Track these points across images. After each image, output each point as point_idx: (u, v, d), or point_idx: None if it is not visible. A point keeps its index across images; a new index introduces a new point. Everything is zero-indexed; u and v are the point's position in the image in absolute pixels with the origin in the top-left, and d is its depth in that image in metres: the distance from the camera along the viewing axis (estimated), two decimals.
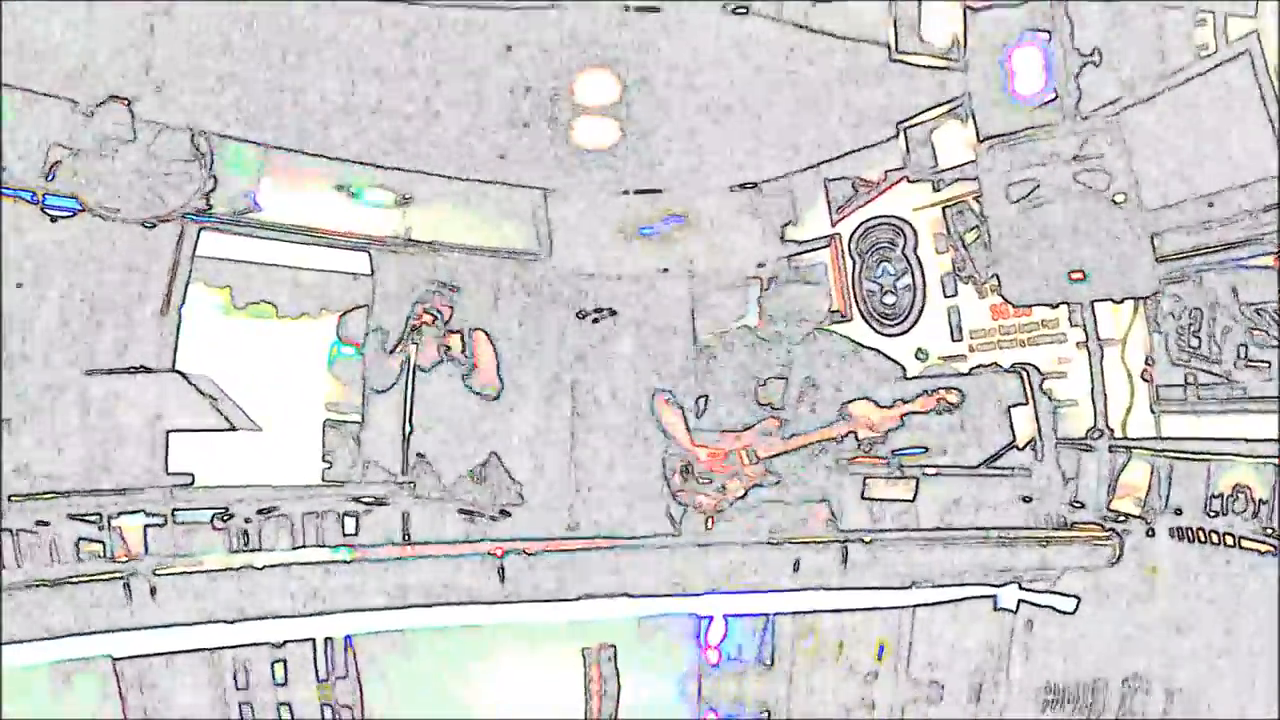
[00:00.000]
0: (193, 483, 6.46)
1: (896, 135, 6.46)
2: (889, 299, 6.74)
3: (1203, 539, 5.63)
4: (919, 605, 5.92)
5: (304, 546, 6.41)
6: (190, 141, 6.24)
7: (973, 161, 6.11)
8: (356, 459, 6.89)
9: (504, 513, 6.51)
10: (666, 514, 6.19)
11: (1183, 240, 5.92)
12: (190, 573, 5.87)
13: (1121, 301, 6.09)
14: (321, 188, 6.73)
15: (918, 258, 6.68)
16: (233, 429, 6.52)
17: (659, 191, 6.83)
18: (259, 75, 6.03)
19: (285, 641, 6.06)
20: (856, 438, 6.02)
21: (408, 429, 6.68)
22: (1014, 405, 6.09)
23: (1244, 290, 5.83)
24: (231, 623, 5.84)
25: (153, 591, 5.82)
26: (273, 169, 6.55)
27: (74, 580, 5.70)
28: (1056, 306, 6.24)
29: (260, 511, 6.50)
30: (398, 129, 6.32)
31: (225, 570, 5.92)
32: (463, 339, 6.81)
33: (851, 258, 6.90)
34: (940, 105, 6.28)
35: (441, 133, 6.35)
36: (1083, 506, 6.01)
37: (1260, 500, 5.51)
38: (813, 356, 6.33)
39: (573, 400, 6.94)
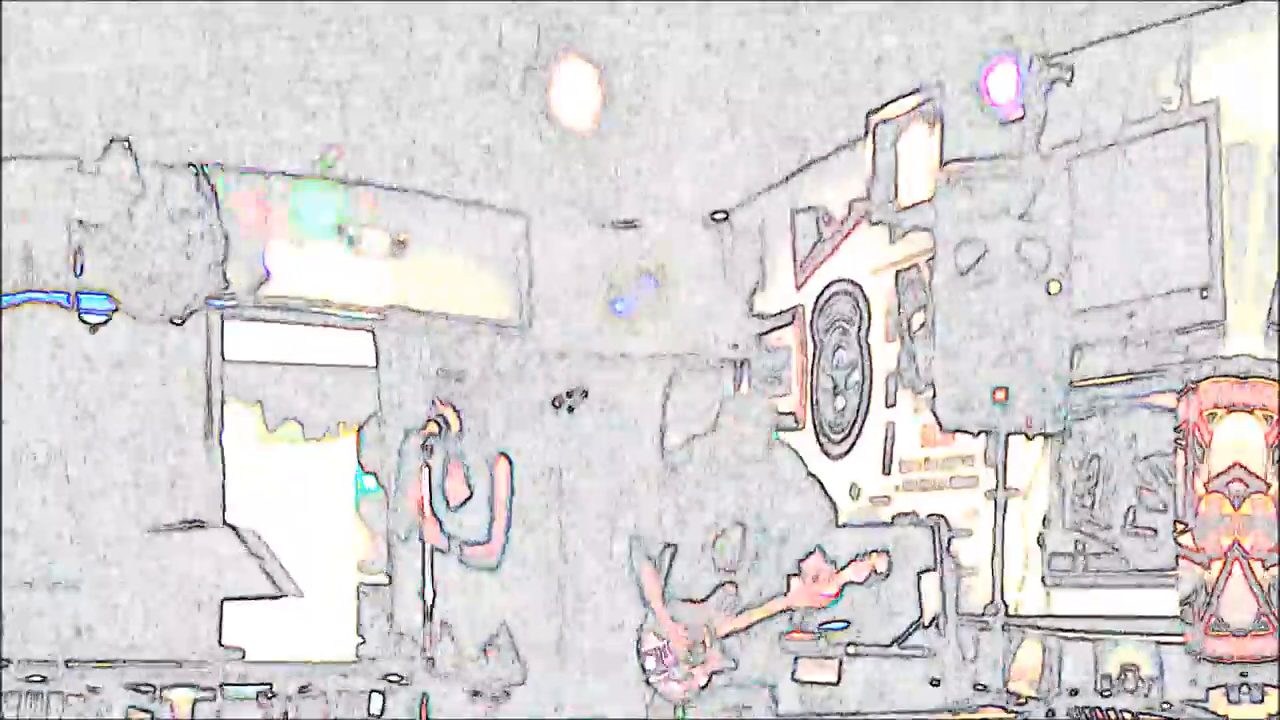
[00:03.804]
0: (244, 657, 6.98)
1: (866, 132, 6.49)
2: (839, 402, 6.86)
3: (1100, 718, 5.60)
4: None
5: None
6: (195, 177, 6.74)
7: (930, 200, 6.05)
8: (389, 632, 7.38)
9: (505, 693, 6.97)
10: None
11: (1097, 360, 5.69)
12: None
13: (1032, 438, 5.90)
14: (322, 231, 7.24)
15: (869, 345, 6.72)
16: (279, 595, 7.10)
17: (634, 225, 7.17)
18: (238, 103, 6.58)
19: None
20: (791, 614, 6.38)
21: (430, 593, 7.07)
22: (923, 571, 6.24)
23: (1142, 437, 5.54)
24: None
25: None
26: (271, 210, 7.09)
27: None
28: (977, 435, 6.03)
29: (300, 689, 7.03)
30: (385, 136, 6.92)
31: None
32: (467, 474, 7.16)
33: (813, 339, 7.00)
34: (910, 95, 6.36)
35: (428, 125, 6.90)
36: (986, 689, 6.10)
37: (1150, 678, 5.52)
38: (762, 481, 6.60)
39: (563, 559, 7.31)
